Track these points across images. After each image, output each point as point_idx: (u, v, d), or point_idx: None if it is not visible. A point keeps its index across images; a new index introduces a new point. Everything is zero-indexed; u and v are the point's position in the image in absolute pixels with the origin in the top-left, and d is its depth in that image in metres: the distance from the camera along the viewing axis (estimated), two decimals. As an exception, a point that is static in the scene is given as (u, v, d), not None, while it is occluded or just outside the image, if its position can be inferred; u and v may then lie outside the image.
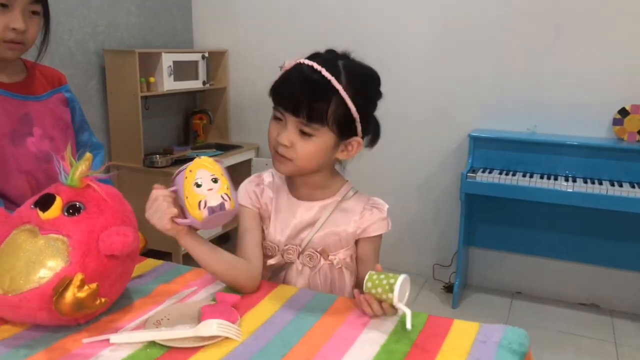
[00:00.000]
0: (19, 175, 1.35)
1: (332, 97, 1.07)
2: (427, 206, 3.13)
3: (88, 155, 1.02)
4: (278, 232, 1.20)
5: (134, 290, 1.12)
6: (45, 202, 0.99)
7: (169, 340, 0.91)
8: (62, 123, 1.46)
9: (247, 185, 1.24)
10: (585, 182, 2.53)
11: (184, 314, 1.01)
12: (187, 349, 0.90)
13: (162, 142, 3.29)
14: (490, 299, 2.96)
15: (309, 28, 3.11)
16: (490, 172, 2.68)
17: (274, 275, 1.23)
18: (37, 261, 0.93)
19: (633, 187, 2.46)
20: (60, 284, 0.90)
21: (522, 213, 2.86)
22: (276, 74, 1.14)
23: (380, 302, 1.00)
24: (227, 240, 3.33)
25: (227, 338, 0.93)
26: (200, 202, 0.97)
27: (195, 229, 1.04)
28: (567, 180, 2.56)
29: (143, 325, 0.97)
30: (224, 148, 3.32)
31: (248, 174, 3.26)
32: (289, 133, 1.10)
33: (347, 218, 1.19)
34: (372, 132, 1.20)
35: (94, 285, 0.91)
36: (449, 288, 2.99)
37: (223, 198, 0.98)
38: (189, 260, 1.24)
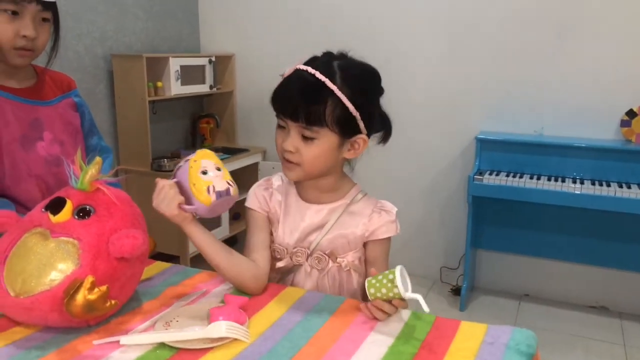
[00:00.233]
0: (30, 180, 1.36)
1: (328, 98, 1.08)
2: (434, 209, 3.12)
3: (98, 159, 1.04)
4: (287, 235, 1.21)
5: (143, 293, 1.13)
6: (55, 206, 1.01)
7: (178, 342, 0.92)
8: (72, 127, 1.48)
9: (256, 189, 1.25)
10: (593, 184, 2.52)
11: (192, 315, 1.01)
12: (196, 350, 0.90)
13: (170, 146, 3.31)
14: (498, 302, 2.95)
15: (316, 32, 3.12)
16: (497, 175, 2.68)
17: (283, 277, 1.24)
18: (48, 264, 0.95)
19: (641, 188, 2.44)
20: (71, 287, 0.91)
21: (529, 215, 2.86)
22: (279, 80, 1.16)
23: (389, 301, 1.00)
24: (234, 243, 3.34)
25: (235, 339, 0.93)
26: (208, 187, 1.04)
27: (200, 218, 1.10)
28: (574, 182, 2.55)
29: (152, 327, 0.98)
30: (231, 152, 3.33)
31: (255, 178, 3.28)
32: (292, 139, 1.11)
33: (355, 221, 1.20)
34: (381, 128, 1.20)
35: (104, 288, 0.92)
36: (456, 291, 2.98)
37: (228, 183, 1.07)
38: (196, 263, 1.25)
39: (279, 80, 1.16)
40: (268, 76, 1.22)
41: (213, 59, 3.24)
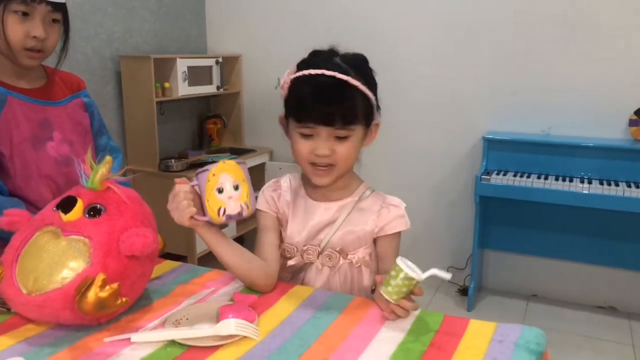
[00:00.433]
0: (40, 180, 1.38)
1: (355, 94, 1.11)
2: (442, 209, 3.12)
3: (108, 158, 1.05)
4: (296, 234, 1.22)
5: (153, 291, 1.14)
6: (67, 205, 1.02)
7: (188, 339, 0.92)
8: (81, 127, 1.49)
9: (265, 191, 1.27)
10: (602, 183, 2.51)
11: (202, 313, 1.02)
12: (206, 347, 0.91)
13: (177, 146, 3.33)
14: (506, 302, 2.95)
15: (322, 33, 3.12)
16: (504, 175, 2.67)
17: (294, 276, 1.25)
18: (59, 262, 0.95)
19: (650, 188, 2.43)
20: (83, 284, 0.92)
21: (537, 215, 2.85)
22: (280, 89, 1.15)
23: (410, 294, 1.00)
24: (241, 242, 3.34)
25: (245, 337, 0.94)
26: (220, 208, 1.01)
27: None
28: (582, 182, 2.54)
29: (163, 325, 0.99)
30: (237, 152, 3.34)
31: (262, 178, 3.29)
32: (326, 142, 1.11)
33: (364, 217, 1.21)
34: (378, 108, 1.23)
35: (115, 285, 0.93)
36: (463, 291, 2.98)
37: (242, 207, 1.02)
38: (204, 263, 1.26)
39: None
40: (274, 77, 1.22)
41: (220, 59, 3.25)
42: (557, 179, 2.57)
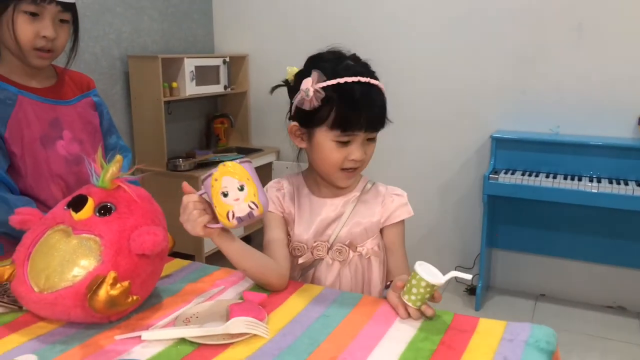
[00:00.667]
0: (50, 179, 1.38)
1: (384, 97, 1.15)
2: (449, 208, 3.11)
3: (118, 157, 1.05)
4: (304, 232, 1.23)
5: (163, 289, 1.14)
6: (77, 203, 1.02)
7: (198, 337, 0.92)
8: (91, 127, 1.50)
9: (268, 192, 1.27)
10: (611, 182, 2.50)
11: (212, 312, 1.02)
12: (216, 345, 0.91)
13: (185, 146, 3.34)
14: (514, 302, 2.94)
15: (329, 32, 3.12)
16: (512, 174, 2.66)
17: (303, 273, 1.25)
18: (70, 260, 0.96)
19: (660, 187, 2.41)
20: (94, 282, 0.93)
21: (545, 214, 2.83)
22: (302, 100, 1.12)
23: (431, 299, 1.00)
24: (248, 241, 3.35)
25: (255, 335, 0.94)
26: (228, 212, 0.98)
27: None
28: (591, 181, 2.53)
29: (173, 323, 0.99)
30: (245, 152, 3.35)
31: (269, 178, 3.29)
32: (361, 147, 1.14)
33: (370, 209, 1.23)
34: None
35: (126, 283, 0.93)
36: (471, 290, 2.97)
37: (250, 207, 0.99)
38: (212, 262, 1.27)
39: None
40: (281, 76, 1.22)
41: (227, 59, 3.26)
42: (565, 178, 2.56)
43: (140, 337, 0.94)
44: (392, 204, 1.24)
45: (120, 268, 0.96)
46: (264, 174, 3.31)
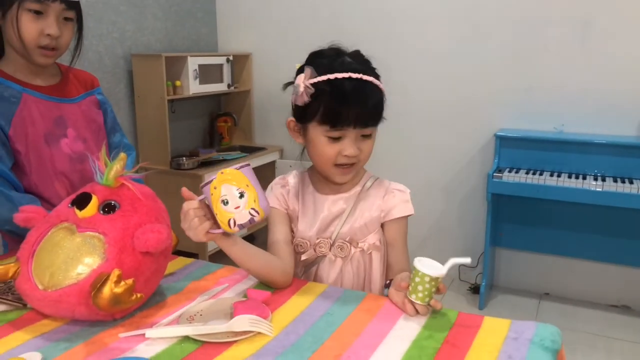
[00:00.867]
0: (55, 176, 1.39)
1: (379, 93, 1.14)
2: (453, 206, 3.10)
3: (122, 155, 1.05)
4: (308, 229, 1.23)
5: (167, 287, 1.14)
6: (81, 201, 1.02)
7: (202, 335, 0.92)
8: (95, 125, 1.50)
9: (273, 188, 1.27)
10: (615, 181, 2.48)
11: (216, 310, 1.02)
12: (220, 343, 0.91)
13: (189, 144, 3.34)
14: (518, 300, 2.93)
15: (333, 31, 3.11)
16: (517, 172, 2.65)
17: (306, 270, 1.26)
18: (75, 258, 0.96)
19: (665, 185, 2.40)
20: (98, 280, 0.93)
21: (549, 213, 2.82)
22: (294, 95, 1.14)
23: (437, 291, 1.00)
24: (252, 240, 3.35)
25: (259, 333, 0.94)
26: (229, 220, 0.97)
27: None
28: (596, 179, 2.52)
29: (177, 321, 0.99)
30: (248, 150, 3.35)
31: (272, 176, 3.29)
32: (354, 143, 1.13)
33: (371, 204, 1.23)
34: None
35: (130, 281, 0.93)
36: (475, 289, 2.96)
37: (251, 214, 0.98)
38: (215, 261, 1.27)
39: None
40: (285, 75, 1.22)
41: (231, 58, 3.26)
42: (570, 177, 2.55)
43: (144, 334, 0.94)
44: (393, 199, 1.23)
45: (124, 266, 0.96)
46: (267, 173, 3.32)
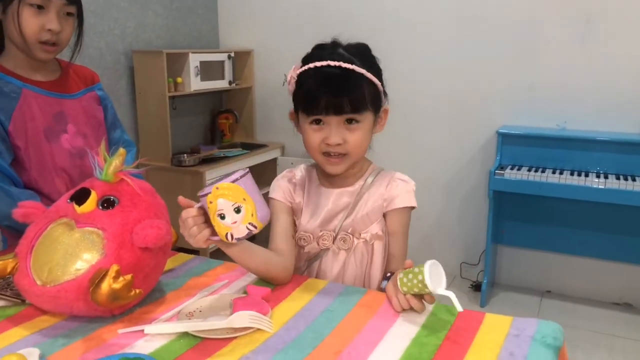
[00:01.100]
0: (54, 172, 1.38)
1: (362, 82, 1.12)
2: (455, 204, 3.10)
3: (121, 150, 1.05)
4: (311, 222, 1.23)
5: (166, 283, 1.14)
6: (80, 196, 1.02)
7: (202, 331, 0.92)
8: (95, 120, 1.49)
9: (279, 180, 1.28)
10: (618, 178, 2.47)
11: (216, 306, 1.02)
12: (220, 339, 0.91)
13: (190, 141, 3.33)
14: (519, 298, 2.92)
15: (334, 27, 3.08)
16: (519, 169, 2.64)
17: (309, 264, 1.25)
18: (73, 253, 0.96)
19: (668, 183, 2.39)
20: (96, 276, 0.92)
21: (551, 210, 2.81)
22: (287, 85, 1.18)
23: (421, 296, 0.99)
24: (252, 238, 3.35)
25: (259, 330, 0.93)
26: (227, 234, 0.96)
27: None
28: (598, 176, 2.51)
29: (176, 317, 0.99)
30: (249, 147, 3.34)
31: (274, 173, 3.29)
32: (337, 131, 1.13)
33: (374, 193, 1.22)
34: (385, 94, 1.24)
35: (128, 277, 0.93)
36: (476, 287, 2.95)
37: (249, 228, 0.96)
38: (216, 257, 1.27)
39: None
40: (286, 72, 1.22)
41: (232, 54, 3.25)
42: (572, 174, 2.54)
43: (143, 330, 0.93)
44: (396, 188, 1.22)
45: (123, 261, 0.95)
46: (269, 170, 3.31)
